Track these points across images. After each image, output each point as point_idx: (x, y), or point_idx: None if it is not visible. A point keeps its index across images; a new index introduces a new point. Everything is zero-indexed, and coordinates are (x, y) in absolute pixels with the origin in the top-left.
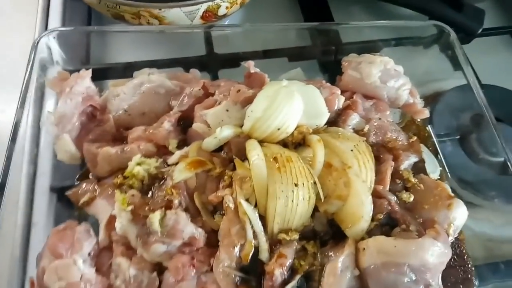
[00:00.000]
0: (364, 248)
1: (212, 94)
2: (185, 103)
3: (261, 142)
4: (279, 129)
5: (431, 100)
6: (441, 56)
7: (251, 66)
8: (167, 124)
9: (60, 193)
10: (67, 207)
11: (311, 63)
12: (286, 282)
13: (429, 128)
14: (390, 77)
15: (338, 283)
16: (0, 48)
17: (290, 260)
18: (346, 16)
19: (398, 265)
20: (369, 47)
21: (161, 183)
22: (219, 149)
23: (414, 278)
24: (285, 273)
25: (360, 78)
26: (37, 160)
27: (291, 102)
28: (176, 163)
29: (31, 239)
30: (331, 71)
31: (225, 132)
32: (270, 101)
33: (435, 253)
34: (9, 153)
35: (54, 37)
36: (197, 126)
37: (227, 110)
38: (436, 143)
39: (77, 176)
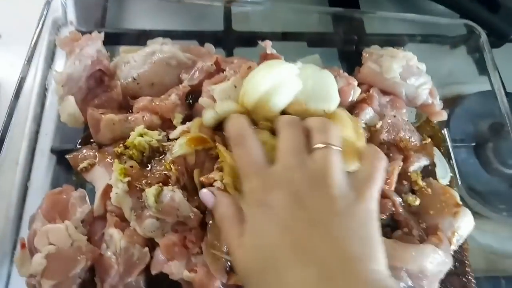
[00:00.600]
0: None
1: (224, 71)
2: (195, 78)
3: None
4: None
5: (450, 103)
6: (467, 58)
7: (268, 46)
8: (174, 97)
9: (60, 155)
10: (66, 170)
11: (331, 51)
12: None
13: (444, 131)
14: (411, 74)
15: None
16: (14, 4)
17: None
18: (373, 6)
19: (395, 268)
20: (393, 41)
21: (161, 157)
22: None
23: (410, 284)
24: None
25: (379, 72)
26: (41, 120)
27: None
28: (177, 138)
29: (27, 200)
30: (351, 62)
31: (225, 106)
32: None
33: (435, 261)
34: (11, 110)
35: None
36: (203, 100)
37: (235, 86)
38: (450, 148)
39: (78, 141)
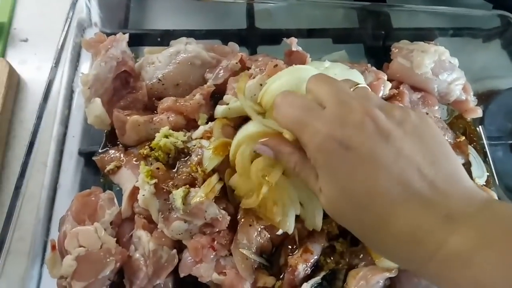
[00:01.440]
0: None
1: (249, 69)
2: (220, 76)
3: None
4: None
5: (485, 98)
6: (502, 52)
7: (293, 43)
8: (199, 97)
9: (87, 157)
10: (94, 172)
11: (357, 47)
12: (308, 277)
13: (479, 129)
14: (443, 69)
15: None
16: (39, 5)
17: (316, 257)
18: (399, 0)
19: None
20: (422, 35)
21: (186, 158)
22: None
23: None
24: (309, 268)
25: (409, 68)
26: (68, 122)
27: None
28: (201, 138)
29: (56, 201)
30: (378, 58)
31: (238, 103)
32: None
33: None
34: (40, 113)
35: None
36: (227, 98)
37: (261, 85)
38: (485, 146)
39: (102, 143)
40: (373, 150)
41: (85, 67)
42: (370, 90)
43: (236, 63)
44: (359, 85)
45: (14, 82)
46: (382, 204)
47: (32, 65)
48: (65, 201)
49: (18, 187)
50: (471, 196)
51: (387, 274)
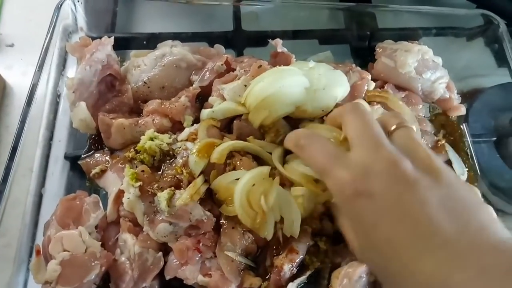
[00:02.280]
0: None
1: (234, 70)
2: (206, 78)
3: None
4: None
5: (469, 96)
6: (486, 50)
7: (278, 44)
8: (184, 99)
9: (73, 161)
10: (80, 176)
11: (343, 47)
12: (294, 277)
13: (463, 126)
14: (426, 68)
15: (351, 287)
16: (25, 10)
17: (301, 256)
18: (385, 1)
19: None
20: (407, 35)
21: (171, 160)
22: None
23: None
24: (295, 268)
25: (393, 67)
26: (54, 127)
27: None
28: (186, 140)
29: (42, 206)
30: (364, 58)
31: (222, 106)
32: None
33: None
34: (24, 117)
35: (78, 1)
36: (212, 99)
37: (245, 86)
38: (470, 143)
39: (86, 147)
40: (397, 198)
41: (72, 72)
42: (413, 131)
43: (222, 64)
44: (402, 125)
45: (0, 88)
46: (408, 255)
47: (18, 70)
48: (51, 206)
49: (0, 192)
50: (508, 248)
51: (367, 267)
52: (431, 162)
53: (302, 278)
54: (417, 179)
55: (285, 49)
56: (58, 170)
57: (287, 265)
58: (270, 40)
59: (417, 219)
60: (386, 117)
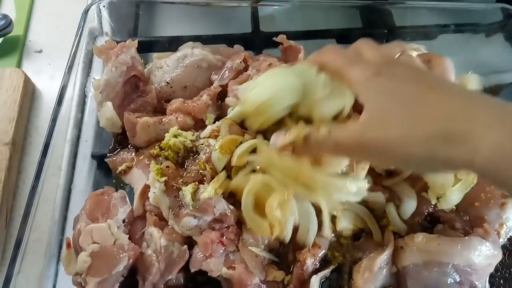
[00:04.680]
0: (402, 246)
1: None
2: (225, 77)
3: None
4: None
5: (489, 92)
6: (505, 45)
7: (283, 39)
8: (205, 98)
9: (100, 159)
10: (106, 174)
11: None
12: (317, 271)
13: None
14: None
15: (373, 279)
16: (52, 18)
17: (324, 251)
18: None
19: (441, 264)
20: (424, 32)
21: (195, 156)
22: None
23: (458, 279)
24: (317, 263)
25: None
26: (81, 126)
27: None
28: (208, 137)
29: (70, 202)
30: None
31: (235, 110)
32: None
33: (482, 253)
34: (55, 116)
35: (104, 6)
36: (228, 100)
37: None
38: None
39: (111, 146)
40: (415, 76)
41: (97, 73)
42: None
43: (240, 62)
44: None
45: (30, 91)
46: (429, 98)
47: (46, 74)
48: (79, 202)
49: (34, 187)
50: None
51: (385, 255)
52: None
53: (325, 272)
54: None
55: (292, 42)
56: (85, 168)
57: (310, 260)
58: (275, 38)
59: (432, 80)
60: (390, 46)
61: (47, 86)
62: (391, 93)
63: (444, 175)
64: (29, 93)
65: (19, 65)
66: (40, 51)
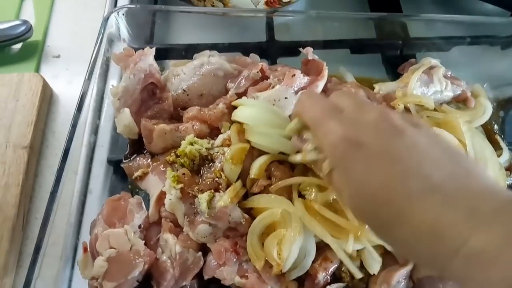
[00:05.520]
0: None
1: (268, 78)
2: (242, 86)
3: None
4: None
5: (504, 105)
6: None
7: (309, 52)
8: (222, 106)
9: (116, 165)
10: (122, 179)
11: (375, 56)
12: (328, 283)
13: (498, 137)
14: (426, 83)
15: None
16: (71, 24)
17: (336, 265)
18: (415, 9)
19: None
20: (439, 44)
21: (210, 164)
22: None
23: None
24: (329, 277)
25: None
26: (98, 131)
27: None
28: (221, 145)
29: (86, 207)
30: (395, 67)
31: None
32: None
33: None
34: (75, 122)
35: (123, 14)
36: None
37: (286, 98)
38: (507, 152)
39: (127, 151)
40: (386, 145)
41: (114, 79)
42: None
43: (257, 72)
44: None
45: (47, 95)
46: (399, 199)
47: (64, 79)
48: (94, 207)
49: (53, 192)
50: (494, 191)
51: (405, 270)
52: (417, 119)
53: (340, 285)
54: (404, 128)
55: (316, 57)
56: (102, 173)
57: (321, 274)
58: (301, 49)
59: (407, 163)
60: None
61: (64, 90)
62: (360, 181)
63: None
64: (47, 98)
65: (37, 69)
66: (58, 56)
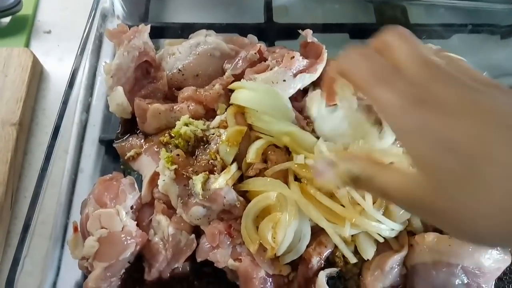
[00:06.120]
0: (412, 244)
1: (266, 60)
2: (239, 67)
3: None
4: None
5: None
6: None
7: (308, 34)
8: (218, 87)
9: (107, 145)
10: (114, 160)
11: None
12: (322, 268)
13: None
14: None
15: (383, 278)
16: (63, 1)
17: (330, 250)
18: None
19: (450, 265)
20: (438, 31)
21: (205, 146)
22: None
23: (466, 281)
24: (322, 261)
25: None
26: (90, 110)
27: None
28: (218, 127)
29: (76, 186)
30: None
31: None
32: None
33: (492, 257)
34: (66, 98)
35: None
36: None
37: (285, 81)
38: None
39: (118, 131)
40: (472, 103)
41: (107, 58)
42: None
43: (255, 53)
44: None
45: (37, 72)
46: (497, 145)
47: (55, 56)
48: (86, 186)
49: (43, 170)
50: None
51: (399, 256)
52: (489, 79)
53: (333, 269)
54: (487, 87)
55: (315, 39)
56: (92, 153)
57: (315, 258)
58: (300, 31)
59: (500, 115)
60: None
61: (55, 67)
62: (444, 141)
63: None
64: (37, 74)
65: (27, 45)
66: (49, 32)
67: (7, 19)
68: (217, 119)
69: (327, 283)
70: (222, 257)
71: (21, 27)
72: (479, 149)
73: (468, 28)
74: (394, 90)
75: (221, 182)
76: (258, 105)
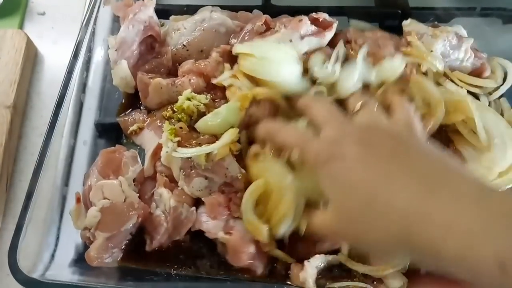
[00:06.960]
0: None
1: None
2: (246, 39)
3: None
4: None
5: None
6: None
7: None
8: (215, 55)
9: (103, 129)
10: (108, 144)
11: (373, 26)
12: None
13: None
14: (452, 48)
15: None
16: None
17: None
18: None
19: None
20: (439, 16)
21: None
22: None
23: None
24: None
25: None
26: (85, 94)
27: None
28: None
29: (72, 171)
30: None
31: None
32: None
33: None
34: (71, 68)
35: None
36: None
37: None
38: None
39: (120, 104)
40: (366, 153)
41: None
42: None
43: (261, 24)
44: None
45: (32, 54)
46: (384, 192)
47: (49, 38)
48: (80, 170)
49: (45, 147)
50: (475, 181)
51: None
52: (393, 131)
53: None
54: (381, 142)
55: (326, 15)
56: (87, 137)
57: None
58: (314, 14)
59: (389, 162)
60: (350, 100)
61: (50, 50)
62: (347, 184)
63: None
64: (31, 57)
65: (21, 27)
66: (43, 14)
67: (0, 0)
68: (227, 73)
69: None
70: (214, 228)
71: (14, 8)
72: (368, 193)
73: (467, 13)
74: (315, 148)
75: (224, 151)
76: (268, 75)
